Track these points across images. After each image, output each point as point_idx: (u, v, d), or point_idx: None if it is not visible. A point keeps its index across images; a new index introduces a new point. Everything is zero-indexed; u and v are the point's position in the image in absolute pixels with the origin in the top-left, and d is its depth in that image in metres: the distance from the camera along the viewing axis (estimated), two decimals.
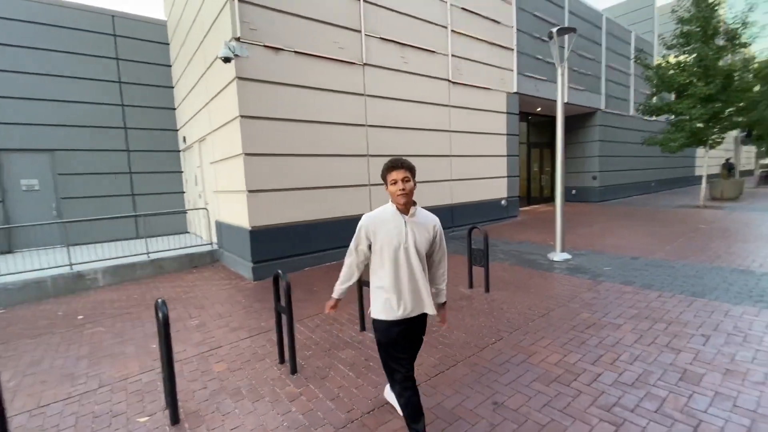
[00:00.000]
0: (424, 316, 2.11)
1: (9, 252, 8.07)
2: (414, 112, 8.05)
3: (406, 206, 1.98)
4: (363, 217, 2.07)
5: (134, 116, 9.57)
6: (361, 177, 7.23)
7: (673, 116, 12.43)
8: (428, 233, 2.04)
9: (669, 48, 12.16)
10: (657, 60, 14.63)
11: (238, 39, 5.63)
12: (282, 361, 3.27)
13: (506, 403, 2.54)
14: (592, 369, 2.89)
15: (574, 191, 15.19)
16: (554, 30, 6.13)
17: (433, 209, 9.13)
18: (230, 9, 5.60)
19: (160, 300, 2.50)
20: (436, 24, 8.43)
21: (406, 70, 7.86)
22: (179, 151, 10.22)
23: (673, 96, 12.48)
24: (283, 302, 3.04)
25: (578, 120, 14.71)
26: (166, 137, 10.05)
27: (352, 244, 2.14)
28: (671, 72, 11.89)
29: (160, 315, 2.43)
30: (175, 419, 2.53)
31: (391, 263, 1.99)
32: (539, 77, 11.30)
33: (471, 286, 5.00)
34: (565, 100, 12.30)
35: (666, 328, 3.52)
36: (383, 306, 2.03)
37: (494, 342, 3.44)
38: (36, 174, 8.60)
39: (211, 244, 7.86)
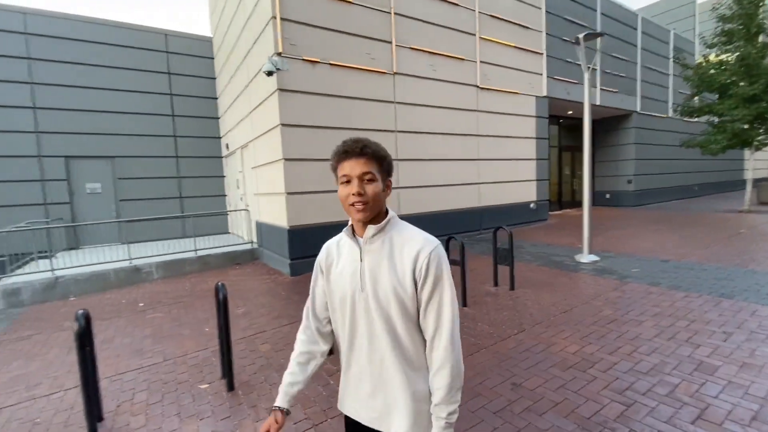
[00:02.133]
0: None
1: (76, 248, 9.01)
2: (442, 117, 8.33)
3: (364, 224, 1.12)
4: (322, 248, 1.27)
5: (183, 125, 10.41)
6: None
7: (714, 117, 11.98)
8: (404, 269, 1.08)
9: (710, 47, 11.75)
10: (697, 59, 14.12)
11: (279, 54, 6.15)
12: None
13: (524, 384, 2.77)
14: (609, 358, 3.06)
15: (607, 195, 14.85)
16: (581, 35, 6.25)
17: (460, 212, 9.27)
18: (273, 26, 6.12)
19: (220, 283, 2.93)
20: (465, 32, 8.68)
21: (434, 78, 8.17)
22: (222, 157, 10.98)
23: (715, 97, 12.04)
24: None
25: (612, 122, 14.42)
26: (210, 144, 10.84)
27: (306, 302, 1.32)
28: (712, 71, 11.49)
29: (221, 295, 2.85)
30: (230, 387, 2.94)
31: (344, 327, 1.17)
32: (570, 80, 11.26)
33: (496, 284, 5.19)
34: (597, 103, 12.17)
35: (688, 325, 3.60)
36: (343, 392, 1.26)
37: (516, 333, 3.66)
38: (98, 178, 9.56)
39: (251, 242, 8.44)
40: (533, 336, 3.57)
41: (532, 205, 10.52)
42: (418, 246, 1.09)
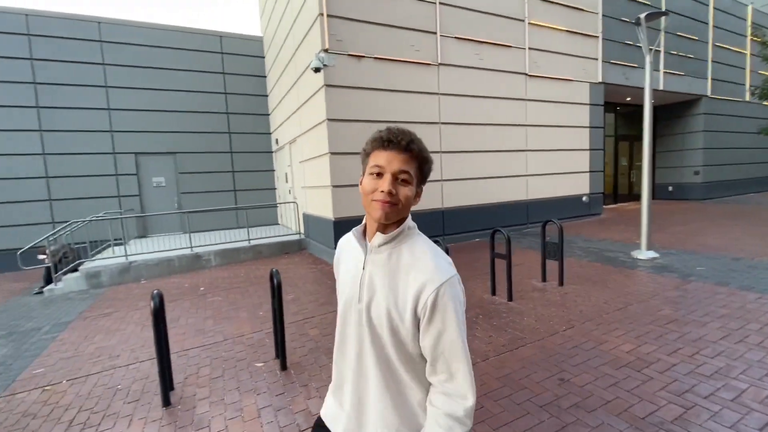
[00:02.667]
0: None
1: (144, 236, 9.89)
2: (488, 107, 8.13)
3: (383, 225, 0.97)
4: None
5: (236, 122, 11.01)
6: (434, 173, 7.55)
7: None
8: (405, 298, 0.93)
9: None
10: None
11: (326, 50, 6.31)
12: None
13: (572, 380, 2.71)
14: (667, 359, 2.90)
15: (670, 188, 13.74)
16: (642, 15, 5.82)
17: (506, 205, 9.14)
18: (320, 24, 6.29)
19: (274, 269, 3.12)
20: (513, 18, 8.38)
21: (480, 67, 7.97)
22: (272, 152, 11.49)
23: None
24: None
25: (677, 108, 13.26)
26: (261, 140, 11.37)
27: None
28: None
29: (275, 281, 3.05)
30: (283, 366, 3.14)
31: (339, 330, 1.08)
32: (629, 64, 10.50)
33: (544, 279, 5.05)
34: (660, 88, 11.25)
35: (761, 328, 3.31)
36: (329, 402, 1.15)
37: (564, 330, 3.56)
38: (163, 173, 10.39)
39: (299, 233, 8.81)
40: (583, 333, 3.46)
41: (584, 199, 10.00)
42: (426, 275, 0.91)
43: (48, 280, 6.71)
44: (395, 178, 0.93)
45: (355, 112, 6.67)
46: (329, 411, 1.13)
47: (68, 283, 6.58)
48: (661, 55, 11.22)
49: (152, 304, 2.65)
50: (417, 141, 0.97)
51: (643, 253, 5.96)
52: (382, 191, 0.92)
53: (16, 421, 2.73)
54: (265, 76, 11.31)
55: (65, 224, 7.47)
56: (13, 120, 8.85)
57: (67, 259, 6.89)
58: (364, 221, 1.05)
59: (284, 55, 8.87)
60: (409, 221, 1.01)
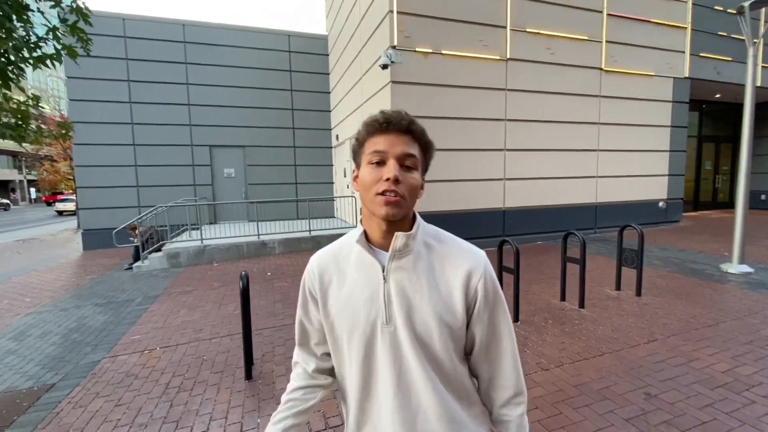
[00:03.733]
0: None
1: (215, 223, 10.66)
2: (558, 104, 7.75)
3: (389, 228, 0.83)
4: (310, 261, 0.96)
5: (300, 118, 11.48)
6: (497, 171, 7.35)
7: None
8: (450, 290, 0.84)
9: None
10: None
11: (394, 47, 6.37)
12: None
13: (660, 396, 2.53)
14: None
15: (763, 196, 12.23)
16: (746, 3, 5.22)
17: (573, 208, 8.79)
18: (389, 20, 6.36)
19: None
20: (590, 9, 7.89)
21: (551, 62, 7.62)
22: (331, 147, 11.84)
23: None
24: None
25: None
26: (322, 136, 11.76)
27: (296, 334, 1.00)
28: None
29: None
30: None
31: (354, 371, 0.86)
32: (722, 57, 9.47)
33: (618, 288, 4.74)
34: (758, 84, 10.01)
35: None
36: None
37: (647, 342, 3.32)
38: (233, 164, 11.11)
39: (355, 226, 8.98)
40: (668, 347, 3.20)
41: (661, 204, 9.22)
42: (469, 262, 0.84)
43: (136, 258, 7.47)
44: (401, 163, 0.80)
45: (420, 108, 6.68)
46: None
47: (152, 261, 7.28)
48: (760, 47, 9.98)
49: (241, 284, 2.86)
50: (417, 123, 0.84)
51: (735, 267, 5.37)
52: (387, 179, 0.78)
53: (121, 380, 3.08)
54: (329, 74, 11.65)
55: (151, 208, 8.26)
56: (111, 114, 9.92)
57: (152, 240, 7.62)
58: (360, 230, 0.87)
59: (349, 53, 9.08)
60: (416, 213, 0.90)
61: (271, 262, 7.27)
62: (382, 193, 0.78)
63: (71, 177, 20.34)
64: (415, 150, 0.82)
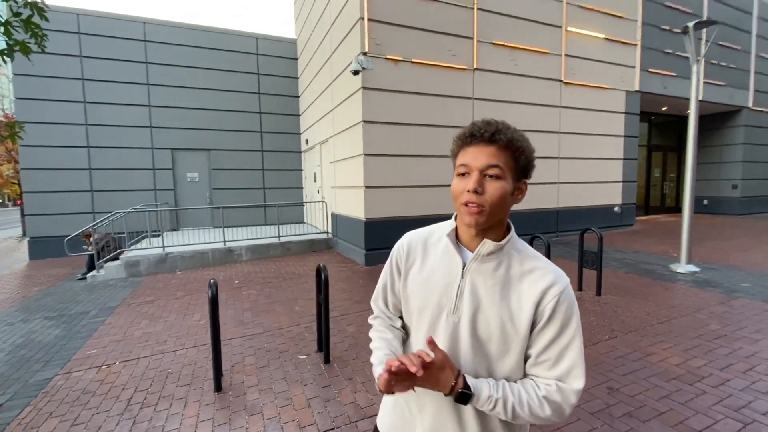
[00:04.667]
0: None
1: (177, 229, 10.21)
2: (522, 113, 8.08)
3: (478, 231, 0.91)
4: (402, 238, 1.07)
5: (268, 122, 11.27)
6: None
7: None
8: (520, 303, 0.88)
9: None
10: None
11: (365, 53, 6.41)
12: None
13: (621, 389, 2.67)
14: (720, 374, 2.83)
15: (705, 201, 13.28)
16: (690, 24, 5.69)
17: (536, 213, 9.10)
18: (360, 27, 6.40)
19: (322, 264, 3.20)
20: (550, 24, 8.31)
21: (516, 73, 7.94)
22: (301, 151, 11.69)
23: None
24: None
25: (716, 120, 12.83)
26: (291, 140, 11.60)
27: (374, 294, 1.15)
28: None
29: (323, 276, 3.12)
30: (327, 359, 3.20)
31: (421, 341, 0.96)
32: (668, 73, 10.25)
33: (580, 288, 4.97)
34: (700, 98, 10.90)
35: None
36: (391, 410, 1.06)
37: (608, 339, 3.50)
38: (197, 168, 10.72)
39: (327, 232, 8.93)
40: (627, 344, 3.40)
41: (616, 209, 9.79)
42: (547, 281, 0.87)
43: (91, 267, 7.01)
44: (482, 174, 0.85)
45: (391, 114, 6.75)
46: (396, 427, 1.03)
47: (109, 270, 6.87)
48: (702, 64, 10.89)
49: (209, 292, 2.76)
50: (505, 130, 0.87)
51: (683, 267, 5.79)
52: (468, 191, 0.85)
53: (76, 398, 2.88)
54: (298, 78, 11.54)
55: (108, 214, 7.79)
56: (63, 114, 9.31)
57: (108, 248, 7.19)
58: (453, 224, 0.96)
59: (319, 58, 9.05)
60: (511, 226, 0.94)
61: (239, 269, 7.05)
62: (465, 204, 0.86)
63: (16, 181, 18.83)
64: (499, 159, 0.86)
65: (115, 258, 7.18)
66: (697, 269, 5.76)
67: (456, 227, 0.96)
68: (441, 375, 0.83)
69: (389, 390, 0.81)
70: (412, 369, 0.74)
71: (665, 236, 8.81)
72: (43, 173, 9.21)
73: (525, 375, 0.91)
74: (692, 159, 5.85)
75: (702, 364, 2.99)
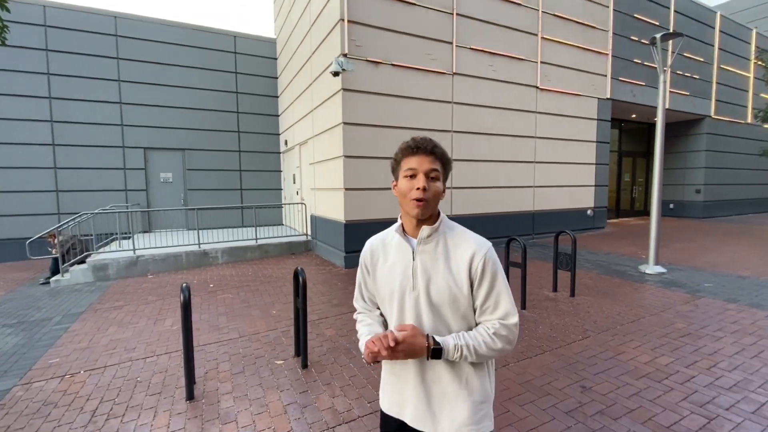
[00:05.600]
0: None
1: (149, 231, 9.86)
2: (499, 118, 8.23)
3: (418, 222, 1.15)
4: (366, 244, 1.30)
5: (246, 122, 11.06)
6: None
7: None
8: (458, 269, 1.12)
9: None
10: None
11: (345, 55, 6.39)
12: None
13: (594, 388, 2.74)
14: (686, 371, 2.94)
15: (671, 205, 13.89)
16: (658, 36, 5.95)
17: (513, 215, 9.20)
18: (340, 28, 6.38)
19: (299, 267, 3.15)
20: (527, 32, 8.51)
21: (493, 78, 8.09)
22: (280, 153, 11.53)
23: None
24: None
25: (680, 127, 13.46)
26: (269, 140, 11.42)
27: (354, 295, 1.37)
28: None
29: (301, 279, 3.07)
30: (304, 364, 3.15)
31: (395, 321, 1.19)
32: (636, 82, 10.68)
33: (555, 289, 5.09)
34: (666, 107, 11.41)
35: None
36: (386, 388, 1.28)
37: (581, 339, 3.60)
38: (171, 168, 10.39)
39: (306, 235, 8.82)
40: (599, 343, 3.50)
41: (589, 212, 10.10)
42: (472, 248, 1.13)
43: (55, 271, 6.68)
44: (427, 176, 1.11)
45: (371, 116, 6.74)
46: (393, 401, 1.25)
47: (75, 274, 6.56)
48: (668, 74, 11.40)
49: (182, 297, 2.67)
50: (439, 145, 1.16)
51: (651, 268, 6.02)
52: (418, 188, 1.09)
53: (37, 410, 2.72)
54: (277, 78, 11.39)
55: (74, 216, 7.45)
56: (25, 109, 8.85)
57: (74, 251, 6.87)
58: (399, 222, 1.21)
59: (299, 58, 8.96)
60: (441, 213, 1.20)
61: (214, 272, 6.87)
62: (415, 199, 1.10)
63: None
64: (437, 166, 1.13)
65: (82, 261, 6.86)
66: (664, 270, 6.00)
67: (402, 223, 1.21)
68: (416, 342, 1.06)
69: (373, 361, 1.09)
70: (384, 353, 1.03)
71: (634, 238, 9.15)
72: (2, 172, 8.72)
73: (476, 324, 1.16)
74: (659, 164, 6.11)
75: (669, 361, 3.11)
